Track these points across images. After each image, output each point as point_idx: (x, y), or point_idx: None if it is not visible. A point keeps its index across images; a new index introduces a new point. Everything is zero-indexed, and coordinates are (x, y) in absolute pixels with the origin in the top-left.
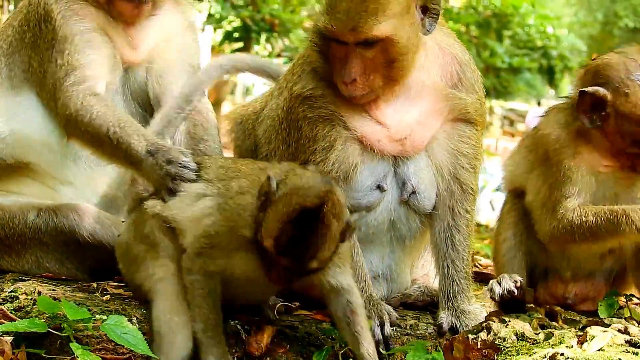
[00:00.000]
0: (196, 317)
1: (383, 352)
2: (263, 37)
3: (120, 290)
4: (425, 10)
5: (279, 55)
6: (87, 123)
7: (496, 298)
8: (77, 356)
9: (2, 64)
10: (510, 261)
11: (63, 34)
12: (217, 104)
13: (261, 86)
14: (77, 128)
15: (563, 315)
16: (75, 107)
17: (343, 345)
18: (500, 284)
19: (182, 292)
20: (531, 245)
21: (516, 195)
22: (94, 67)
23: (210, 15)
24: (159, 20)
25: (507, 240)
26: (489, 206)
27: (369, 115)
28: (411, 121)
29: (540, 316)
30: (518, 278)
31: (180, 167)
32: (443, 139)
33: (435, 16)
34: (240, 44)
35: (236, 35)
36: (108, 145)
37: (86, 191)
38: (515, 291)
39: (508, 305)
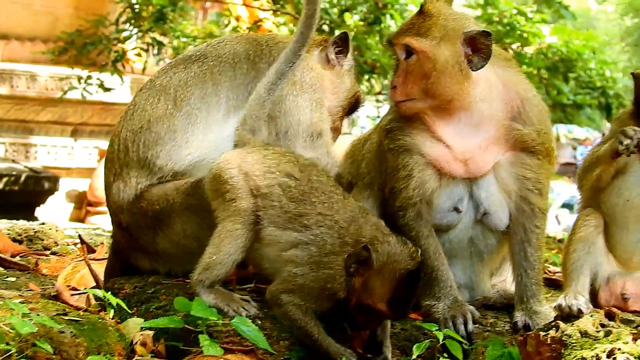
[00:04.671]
0: (303, 338)
1: (466, 346)
2: (366, 77)
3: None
4: (475, 48)
5: (379, 93)
6: None
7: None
8: (202, 346)
9: (221, 96)
10: (577, 270)
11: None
12: None
13: (364, 118)
14: None
15: (620, 316)
16: None
17: (437, 340)
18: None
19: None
20: (598, 257)
21: (588, 211)
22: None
23: None
24: None
25: (576, 251)
26: (555, 221)
27: (437, 140)
28: (473, 145)
29: (601, 317)
30: (582, 302)
31: None
32: (507, 166)
33: (484, 56)
34: None
35: None
36: None
37: None
38: (576, 311)
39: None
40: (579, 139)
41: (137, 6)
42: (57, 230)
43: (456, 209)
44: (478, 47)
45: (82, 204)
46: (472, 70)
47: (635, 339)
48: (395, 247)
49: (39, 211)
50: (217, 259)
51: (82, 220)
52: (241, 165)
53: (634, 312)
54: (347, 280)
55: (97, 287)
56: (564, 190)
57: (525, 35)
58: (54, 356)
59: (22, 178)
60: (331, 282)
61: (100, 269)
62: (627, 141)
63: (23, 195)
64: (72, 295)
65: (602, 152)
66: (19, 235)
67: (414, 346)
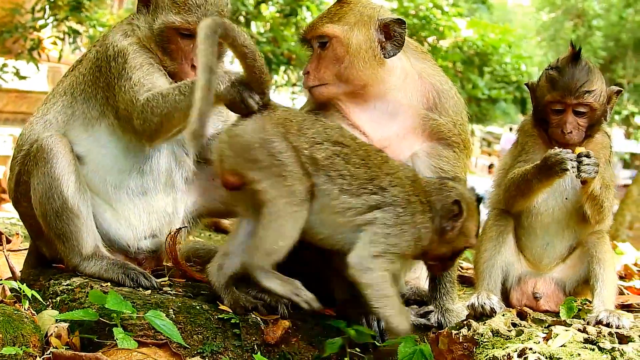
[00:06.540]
0: (387, 311)
1: (378, 343)
2: (282, 68)
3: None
4: (388, 36)
5: (294, 85)
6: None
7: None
8: (117, 339)
9: (78, 111)
10: (488, 269)
11: (133, 64)
12: None
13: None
14: (152, 115)
15: (532, 315)
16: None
17: (349, 337)
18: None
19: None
20: (509, 257)
21: (498, 212)
22: (162, 84)
23: None
24: None
25: (487, 250)
26: None
27: (353, 129)
28: (390, 134)
29: (513, 316)
30: (494, 301)
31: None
32: (424, 157)
33: (397, 44)
34: None
35: None
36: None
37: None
38: (489, 310)
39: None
40: (494, 133)
41: None
42: None
43: None
44: (392, 35)
45: None
46: (385, 58)
47: (546, 339)
48: (462, 188)
49: None
50: (282, 244)
51: None
52: (286, 136)
53: (545, 311)
54: (437, 233)
55: (13, 278)
56: (479, 185)
57: (441, 28)
58: None
59: None
60: (423, 238)
61: (16, 259)
62: (568, 165)
63: None
64: None
65: (544, 179)
66: None
67: (327, 342)
